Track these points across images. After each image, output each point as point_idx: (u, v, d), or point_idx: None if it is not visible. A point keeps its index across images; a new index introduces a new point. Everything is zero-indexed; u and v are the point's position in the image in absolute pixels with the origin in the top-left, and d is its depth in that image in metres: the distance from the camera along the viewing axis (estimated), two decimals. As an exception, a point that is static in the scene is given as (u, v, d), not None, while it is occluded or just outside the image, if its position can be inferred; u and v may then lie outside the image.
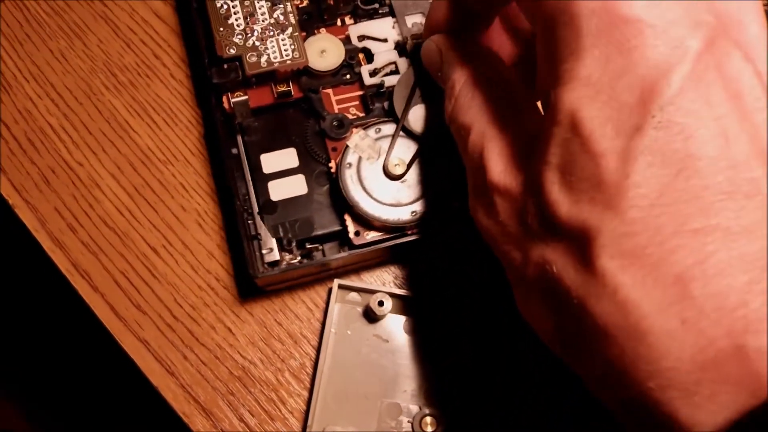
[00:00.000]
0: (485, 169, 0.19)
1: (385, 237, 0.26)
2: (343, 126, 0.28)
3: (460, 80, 0.21)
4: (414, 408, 0.27)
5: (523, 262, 0.18)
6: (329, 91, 0.29)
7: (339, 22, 0.30)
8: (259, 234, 0.26)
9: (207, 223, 0.29)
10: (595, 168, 0.15)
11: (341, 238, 0.27)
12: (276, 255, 0.26)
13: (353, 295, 0.28)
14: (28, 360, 0.77)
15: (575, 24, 0.15)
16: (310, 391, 0.27)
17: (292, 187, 0.27)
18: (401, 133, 0.27)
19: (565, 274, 0.16)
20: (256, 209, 0.27)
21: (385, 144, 0.27)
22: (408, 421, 0.27)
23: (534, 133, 0.18)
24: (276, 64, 0.27)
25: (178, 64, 0.32)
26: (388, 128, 0.27)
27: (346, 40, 0.29)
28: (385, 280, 0.29)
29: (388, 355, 0.28)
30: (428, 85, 0.26)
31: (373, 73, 0.28)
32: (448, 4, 0.23)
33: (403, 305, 0.28)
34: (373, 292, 0.27)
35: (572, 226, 0.16)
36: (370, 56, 0.29)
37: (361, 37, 0.29)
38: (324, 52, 0.28)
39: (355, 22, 0.29)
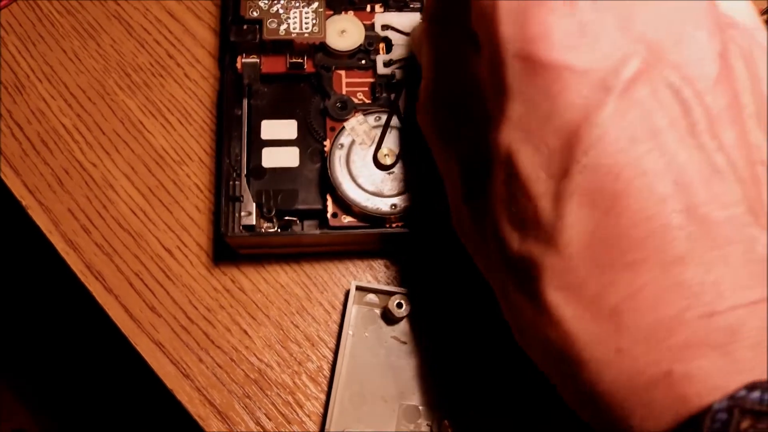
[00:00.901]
0: (455, 184, 0.20)
1: (361, 225, 0.26)
2: (347, 108, 0.28)
3: (424, 80, 0.22)
4: (433, 411, 0.27)
5: (498, 283, 0.19)
6: (342, 72, 0.29)
7: (368, 8, 0.30)
8: (242, 196, 0.26)
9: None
10: (533, 209, 0.16)
11: (321, 218, 0.27)
12: (253, 220, 0.26)
13: (371, 296, 0.28)
14: (41, 361, 0.77)
15: (504, 66, 0.16)
16: (328, 394, 0.27)
17: (285, 157, 0.28)
18: (398, 125, 0.27)
19: (523, 306, 0.17)
20: (244, 171, 0.27)
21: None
22: (427, 425, 0.26)
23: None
24: (294, 35, 0.28)
25: (193, 63, 0.31)
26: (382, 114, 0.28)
27: (370, 27, 0.29)
28: (404, 281, 0.29)
29: (406, 357, 0.27)
30: None
31: (387, 64, 0.28)
32: None
33: (422, 307, 0.27)
34: (391, 293, 0.27)
35: (522, 261, 0.16)
36: (389, 47, 0.29)
37: (385, 27, 0.29)
38: (344, 32, 0.29)
39: (384, 11, 0.29)
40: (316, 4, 0.28)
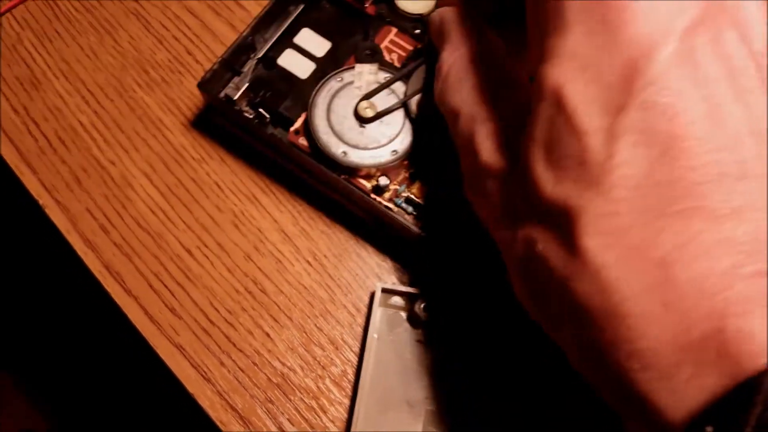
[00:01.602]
0: (475, 151, 0.19)
1: (307, 152, 0.27)
2: (374, 57, 0.28)
3: (448, 60, 0.21)
4: (458, 417, 0.26)
5: (511, 242, 0.17)
6: (393, 29, 0.29)
7: None
8: (242, 72, 0.28)
9: (243, 224, 0.28)
10: (578, 146, 0.15)
11: (288, 131, 0.27)
12: (236, 95, 0.27)
13: (396, 299, 0.27)
14: (55, 362, 0.77)
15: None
16: (352, 399, 0.26)
17: (300, 67, 0.29)
18: (396, 101, 0.27)
19: (549, 254, 0.16)
20: (259, 54, 0.28)
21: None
22: (455, 431, 0.26)
23: (524, 114, 0.18)
24: None
25: (212, 60, 0.31)
26: (397, 86, 0.27)
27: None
28: (430, 283, 0.28)
29: (432, 362, 0.26)
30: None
31: (430, 44, 0.28)
32: None
33: (449, 309, 0.27)
34: (418, 296, 0.26)
35: (556, 205, 0.15)
36: None
37: None
38: None
39: None
40: None
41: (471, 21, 0.22)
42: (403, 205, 0.26)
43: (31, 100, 0.30)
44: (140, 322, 0.27)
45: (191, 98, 0.30)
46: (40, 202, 0.28)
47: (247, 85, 0.27)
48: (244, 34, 0.27)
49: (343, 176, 0.26)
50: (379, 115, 0.27)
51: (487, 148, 0.18)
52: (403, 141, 0.27)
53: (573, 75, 0.15)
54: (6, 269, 0.75)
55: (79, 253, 0.28)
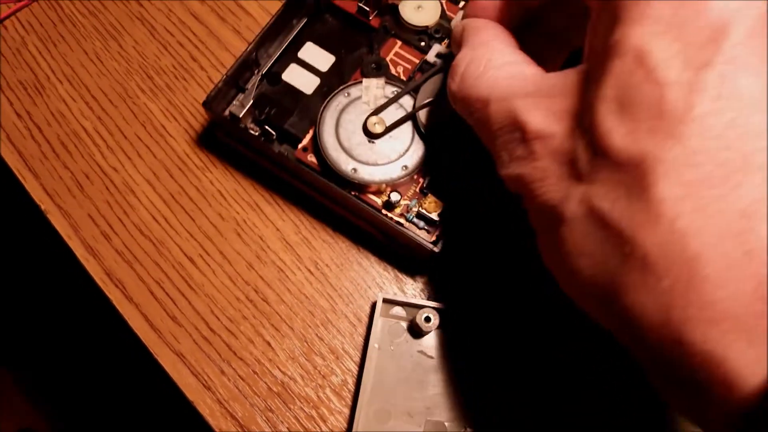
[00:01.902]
0: (521, 124, 0.19)
1: (316, 170, 0.26)
2: (379, 71, 0.28)
3: (467, 56, 0.22)
4: (459, 427, 0.26)
5: (562, 201, 0.17)
6: (398, 41, 0.29)
7: (461, 3, 0.30)
8: (247, 89, 0.28)
9: (246, 232, 0.28)
10: (658, 97, 0.15)
11: (295, 147, 0.27)
12: (241, 112, 0.27)
13: (397, 309, 0.27)
14: (60, 367, 0.76)
15: None
16: (352, 409, 0.26)
17: (305, 82, 0.28)
18: (405, 114, 0.27)
19: (616, 207, 0.15)
20: (263, 70, 0.28)
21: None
22: (454, 442, 0.26)
23: (553, 83, 0.18)
24: None
25: (216, 66, 0.31)
26: (404, 99, 0.27)
27: (449, 18, 0.29)
28: (431, 294, 0.28)
29: (433, 372, 0.26)
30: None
31: (439, 56, 0.28)
32: None
33: (450, 321, 0.27)
34: (419, 307, 0.26)
35: (629, 156, 0.15)
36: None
37: None
38: (420, 8, 0.29)
39: None
40: None
41: (488, 23, 0.23)
42: (415, 220, 0.26)
43: (35, 105, 0.30)
44: (141, 330, 0.27)
45: (195, 105, 0.30)
46: (42, 207, 0.28)
47: (251, 102, 0.27)
48: (248, 49, 0.27)
49: (353, 193, 0.26)
50: (388, 130, 0.26)
51: (535, 119, 0.18)
52: (413, 156, 0.26)
53: (657, 34, 0.15)
54: (8, 273, 0.75)
55: (81, 259, 0.28)
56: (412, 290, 0.28)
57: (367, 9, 0.29)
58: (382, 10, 0.29)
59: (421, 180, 0.27)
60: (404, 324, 0.27)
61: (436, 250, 0.25)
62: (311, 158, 0.27)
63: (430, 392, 0.26)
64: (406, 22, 0.29)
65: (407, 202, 0.27)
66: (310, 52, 0.29)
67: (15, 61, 0.31)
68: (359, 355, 0.27)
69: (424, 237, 0.26)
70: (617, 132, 0.16)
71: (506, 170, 0.20)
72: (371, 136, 0.26)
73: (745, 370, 0.13)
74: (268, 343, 0.27)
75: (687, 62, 0.15)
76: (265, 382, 0.26)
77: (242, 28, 0.32)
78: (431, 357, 0.27)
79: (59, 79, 0.30)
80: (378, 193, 0.27)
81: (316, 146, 0.26)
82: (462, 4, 0.30)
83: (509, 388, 0.26)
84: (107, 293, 0.27)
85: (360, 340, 0.27)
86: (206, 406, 0.26)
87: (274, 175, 0.28)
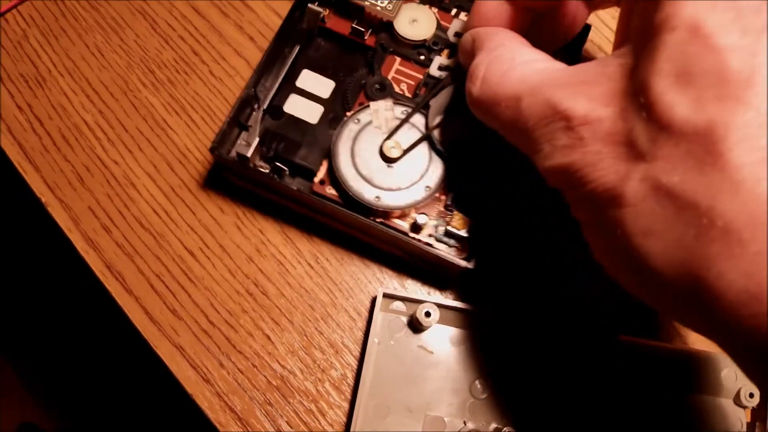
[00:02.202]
0: (564, 113, 0.18)
1: (338, 202, 0.26)
2: (384, 91, 0.28)
3: (487, 58, 0.21)
4: (458, 422, 0.26)
5: (621, 182, 0.17)
6: (397, 58, 0.29)
7: (453, 11, 0.29)
8: (250, 126, 0.27)
9: (246, 226, 0.28)
10: (720, 64, 0.15)
11: (311, 181, 0.27)
12: (249, 151, 0.26)
13: (398, 304, 0.27)
14: (60, 360, 0.76)
15: None
16: (351, 403, 0.26)
17: (308, 111, 0.28)
18: (420, 129, 0.27)
19: (687, 179, 0.15)
20: (264, 106, 0.27)
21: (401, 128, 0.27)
22: (453, 437, 0.26)
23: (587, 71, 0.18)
24: (367, 3, 0.28)
25: (218, 61, 0.31)
26: (415, 118, 0.27)
27: (444, 29, 0.29)
28: (431, 290, 0.28)
29: (432, 367, 0.26)
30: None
31: (442, 68, 0.28)
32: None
33: (450, 316, 0.27)
34: (419, 302, 0.26)
35: (695, 127, 0.15)
36: (452, 54, 0.29)
37: (458, 34, 0.29)
38: (415, 21, 0.28)
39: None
40: None
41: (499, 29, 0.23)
42: (444, 239, 0.26)
43: (36, 98, 0.30)
44: (141, 322, 0.27)
45: (197, 99, 0.30)
46: (43, 200, 0.28)
47: (257, 139, 0.26)
48: (247, 85, 0.26)
49: (378, 220, 0.26)
50: (405, 152, 0.26)
51: (580, 105, 0.18)
52: (433, 174, 0.26)
53: (708, 5, 0.15)
54: (8, 266, 0.75)
55: (81, 252, 0.28)
56: (413, 285, 0.28)
57: (362, 29, 0.28)
58: (376, 28, 0.29)
59: (443, 197, 0.26)
60: (404, 319, 0.27)
61: (470, 266, 0.25)
62: (330, 190, 0.26)
63: (430, 387, 0.26)
64: (403, 38, 0.28)
65: (434, 222, 0.26)
66: (308, 79, 0.28)
67: (16, 54, 0.31)
68: (359, 350, 0.27)
69: (455, 255, 0.25)
70: (680, 103, 0.15)
71: (551, 161, 0.19)
72: (389, 160, 0.26)
73: None
74: (268, 337, 0.27)
75: (744, 29, 0.15)
76: (265, 376, 0.26)
77: (244, 23, 0.32)
78: (431, 352, 0.27)
79: (60, 73, 0.30)
80: (403, 216, 0.26)
81: (334, 178, 0.26)
82: (454, 11, 0.29)
83: (509, 383, 0.26)
84: (107, 286, 0.27)
85: (360, 334, 0.27)
86: (205, 399, 0.26)
87: (291, 210, 0.28)
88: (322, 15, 0.28)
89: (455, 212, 0.26)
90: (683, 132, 0.15)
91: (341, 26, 0.29)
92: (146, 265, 0.28)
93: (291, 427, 0.26)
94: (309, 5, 0.28)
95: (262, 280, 0.28)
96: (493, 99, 0.21)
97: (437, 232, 0.26)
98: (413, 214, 0.26)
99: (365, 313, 0.27)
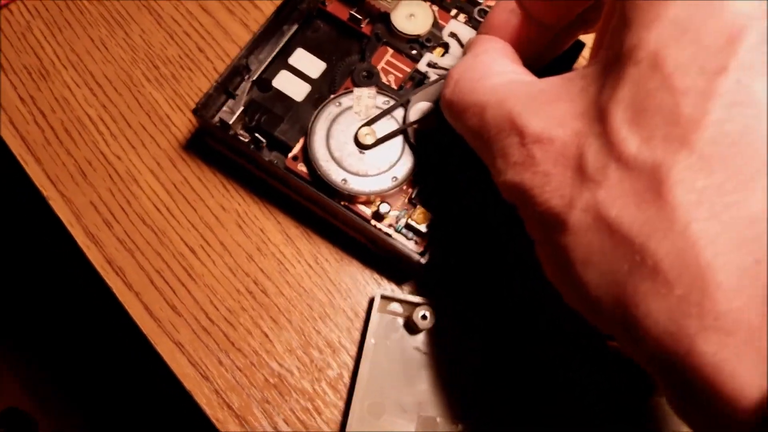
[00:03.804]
0: (518, 127, 0.19)
1: (306, 180, 0.26)
2: (370, 79, 0.28)
3: (463, 63, 0.22)
4: (450, 423, 0.26)
5: (566, 208, 0.17)
6: (389, 50, 0.29)
7: (453, 11, 0.30)
8: (237, 95, 0.27)
9: (247, 224, 0.28)
10: (673, 105, 0.15)
11: (286, 157, 0.27)
12: (231, 119, 0.27)
13: (395, 305, 0.27)
14: (58, 353, 0.76)
15: None
16: (347, 402, 0.27)
17: (295, 88, 0.28)
18: (396, 123, 0.27)
19: (624, 214, 0.15)
20: (254, 77, 0.28)
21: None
22: (446, 438, 0.26)
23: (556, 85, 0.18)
24: None
25: (222, 58, 0.31)
26: (398, 110, 0.27)
27: (440, 27, 0.29)
28: (428, 291, 0.28)
29: (427, 368, 0.27)
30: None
31: (430, 65, 0.28)
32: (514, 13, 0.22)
33: (446, 319, 0.27)
34: (416, 304, 0.27)
35: (641, 164, 0.15)
36: (444, 53, 0.29)
37: (453, 35, 0.29)
38: (412, 16, 0.29)
39: (464, 22, 0.29)
40: None
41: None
42: (404, 231, 0.26)
43: (39, 90, 0.30)
44: (141, 318, 0.27)
45: (200, 95, 0.30)
46: (45, 193, 0.29)
47: (242, 108, 0.27)
48: (239, 55, 0.27)
49: (342, 203, 0.26)
50: (379, 142, 0.26)
51: (535, 122, 0.18)
52: (403, 166, 0.27)
53: (673, 38, 0.15)
54: (8, 258, 0.75)
55: (82, 246, 0.28)
56: (410, 286, 0.28)
57: (360, 17, 0.29)
58: (374, 17, 0.29)
59: (410, 191, 0.27)
60: (401, 320, 0.27)
61: (423, 261, 0.25)
62: (301, 167, 0.27)
63: (424, 388, 0.27)
64: (398, 31, 0.29)
65: (396, 212, 0.27)
66: (301, 58, 0.29)
67: (20, 46, 0.31)
68: (355, 350, 0.27)
69: (411, 248, 0.26)
70: (632, 139, 0.15)
71: (504, 177, 0.19)
72: (362, 146, 0.26)
73: (754, 383, 0.13)
74: (266, 335, 0.27)
75: (702, 68, 0.15)
76: (263, 374, 0.27)
77: (250, 20, 0.32)
78: (426, 353, 0.27)
79: (64, 65, 0.30)
80: (368, 203, 0.27)
81: (307, 156, 0.26)
82: (454, 12, 0.29)
83: (502, 385, 0.27)
84: (107, 281, 0.27)
85: (357, 334, 0.28)
86: (203, 396, 0.26)
87: (263, 181, 0.28)
88: None
89: (418, 206, 0.26)
90: (630, 167, 0.15)
91: (341, 11, 0.29)
92: (147, 261, 0.28)
93: (288, 425, 0.26)
94: None
95: (262, 278, 0.28)
96: (462, 104, 0.21)
97: (397, 224, 0.27)
98: (378, 203, 0.26)
99: (362, 314, 0.28)
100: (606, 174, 0.16)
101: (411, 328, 0.27)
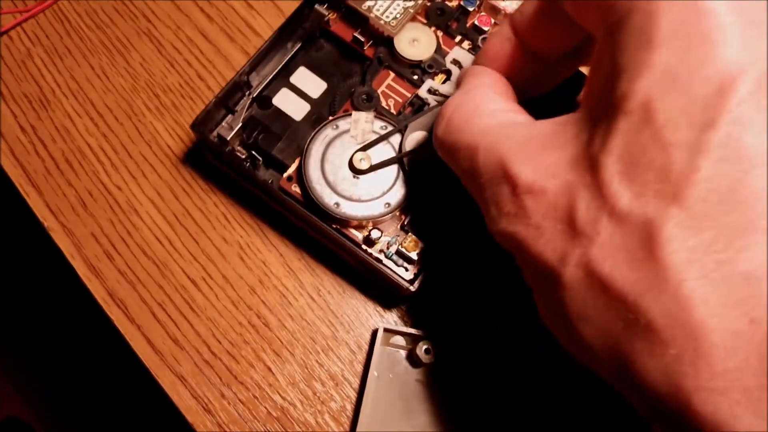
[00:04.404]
0: (510, 176, 0.18)
1: (300, 201, 0.26)
2: (369, 102, 0.28)
3: (455, 100, 0.21)
4: (454, 457, 0.26)
5: (559, 263, 0.17)
6: (391, 73, 0.29)
7: (457, 38, 0.29)
8: (236, 111, 0.27)
9: (249, 257, 0.28)
10: (664, 159, 0.15)
11: (281, 174, 0.27)
12: (229, 134, 0.27)
13: (397, 338, 0.27)
14: (58, 367, 0.76)
15: (654, 16, 0.15)
16: (350, 436, 0.27)
17: (295, 107, 0.28)
18: (392, 149, 0.27)
19: (617, 271, 0.15)
20: (254, 93, 0.28)
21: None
22: (450, 472, 0.26)
23: (549, 132, 0.18)
24: (372, 16, 0.28)
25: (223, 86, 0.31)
26: (394, 136, 0.27)
27: (444, 54, 0.29)
28: (431, 324, 0.28)
29: (430, 402, 0.27)
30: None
31: (431, 91, 0.28)
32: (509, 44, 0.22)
33: (449, 352, 0.27)
34: (419, 338, 0.27)
35: (633, 220, 0.15)
36: (446, 80, 0.29)
37: (455, 62, 0.29)
38: (415, 41, 0.29)
39: (468, 50, 0.29)
40: (411, 3, 0.29)
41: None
42: (394, 257, 0.26)
43: (39, 119, 0.30)
44: (143, 351, 0.27)
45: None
46: (45, 224, 0.28)
47: (240, 124, 0.27)
48: (241, 70, 0.27)
49: (334, 226, 0.26)
50: (373, 168, 0.26)
51: (526, 171, 0.18)
52: (396, 193, 0.26)
53: (663, 89, 0.15)
54: (9, 287, 0.75)
55: (83, 279, 0.28)
56: (413, 319, 0.28)
57: (362, 39, 0.29)
58: (378, 40, 0.29)
59: (403, 217, 0.27)
60: (404, 353, 0.27)
61: (412, 288, 0.25)
62: (295, 188, 0.27)
63: (425, 420, 0.27)
64: (401, 56, 0.28)
65: (388, 238, 0.27)
66: (303, 77, 0.29)
67: (20, 74, 0.31)
68: (358, 382, 0.27)
69: (401, 275, 0.26)
70: (623, 194, 0.15)
71: (497, 226, 0.19)
72: (356, 171, 0.26)
73: None
74: (269, 368, 0.27)
75: (692, 122, 0.14)
76: (265, 407, 0.27)
77: (250, 48, 0.32)
78: (429, 386, 0.27)
79: (65, 94, 0.30)
80: (359, 227, 0.27)
81: (301, 177, 0.26)
82: (458, 38, 0.29)
83: (506, 420, 0.27)
84: (109, 314, 0.27)
85: (359, 367, 0.28)
86: (206, 429, 0.26)
87: (258, 198, 0.28)
88: (326, 18, 0.29)
89: (409, 234, 0.26)
90: (622, 222, 0.15)
91: (345, 32, 0.29)
92: (149, 294, 0.28)
93: (290, 458, 0.26)
94: (316, 6, 0.29)
95: (265, 311, 0.28)
96: (454, 145, 0.21)
97: (388, 250, 0.26)
98: (370, 228, 0.26)
99: (365, 347, 0.28)
100: (597, 229, 0.16)
101: (414, 360, 0.27)
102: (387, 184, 0.27)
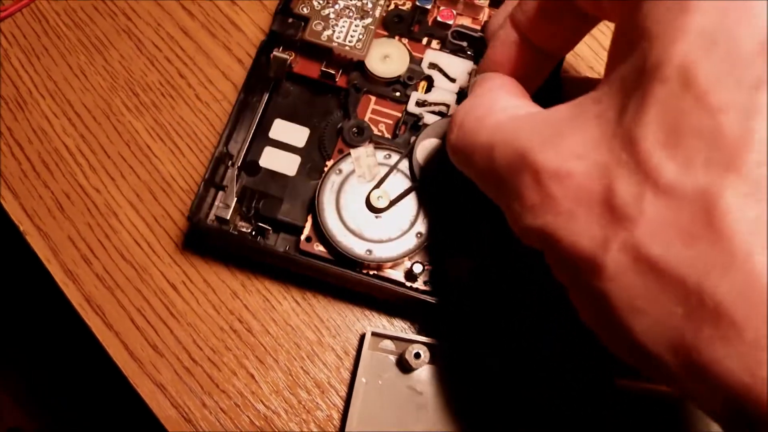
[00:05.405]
0: (531, 164, 0.17)
1: (329, 259, 0.25)
2: (362, 135, 0.26)
3: (466, 104, 0.20)
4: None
5: (599, 250, 0.15)
6: (372, 98, 0.27)
7: (425, 41, 0.28)
8: (227, 186, 0.26)
9: (230, 260, 0.27)
10: (713, 125, 0.13)
11: (297, 237, 0.26)
12: (228, 213, 0.25)
13: (387, 342, 0.26)
14: (58, 378, 0.76)
15: None
16: (337, 446, 0.25)
17: (285, 163, 0.27)
18: (407, 172, 0.26)
19: (670, 251, 0.14)
20: (239, 163, 0.26)
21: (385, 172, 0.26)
22: (441, 482, 0.25)
23: (567, 116, 0.17)
24: (335, 44, 0.26)
25: (205, 84, 0.30)
26: (402, 162, 0.26)
27: (418, 61, 0.27)
28: (420, 328, 0.27)
29: (421, 409, 0.26)
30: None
31: (420, 104, 0.27)
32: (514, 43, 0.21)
33: (440, 356, 0.26)
34: (409, 341, 0.25)
35: (683, 193, 0.14)
36: (430, 87, 0.27)
37: (432, 66, 0.27)
38: (387, 57, 0.27)
39: (440, 50, 0.28)
40: (369, 20, 0.27)
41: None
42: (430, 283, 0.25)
43: (16, 121, 0.29)
44: (121, 359, 0.26)
45: (182, 125, 0.29)
46: (21, 228, 0.27)
47: (235, 199, 0.25)
48: (218, 146, 0.25)
49: (372, 273, 0.25)
50: (393, 203, 0.25)
51: (551, 158, 0.16)
52: (424, 221, 0.25)
53: (703, 51, 0.14)
54: None
55: (60, 284, 0.27)
56: (401, 323, 0.27)
57: (331, 71, 0.27)
58: (347, 67, 0.27)
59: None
60: (393, 358, 0.26)
61: (469, 308, 0.24)
62: (318, 247, 0.25)
63: (418, 428, 0.25)
64: (376, 76, 0.27)
65: (429, 267, 0.25)
66: (281, 129, 0.27)
67: (-4, 74, 0.30)
68: (345, 390, 0.26)
69: (449, 301, 0.25)
70: (669, 165, 0.14)
71: (522, 222, 0.17)
72: (377, 211, 0.25)
73: None
74: (252, 376, 0.26)
75: (740, 82, 0.13)
76: (248, 416, 0.26)
77: (233, 44, 0.31)
78: (420, 393, 0.26)
79: (42, 94, 0.29)
80: (395, 265, 0.25)
81: (321, 234, 0.25)
82: (425, 40, 0.28)
83: (502, 427, 0.25)
84: (86, 320, 0.26)
85: (347, 374, 0.26)
86: (186, 440, 0.25)
87: (279, 268, 0.27)
88: (288, 61, 0.27)
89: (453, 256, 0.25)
90: (669, 197, 0.14)
91: (310, 69, 0.27)
92: (127, 299, 0.27)
93: (274, 470, 0.25)
94: (274, 53, 0.27)
95: (247, 316, 0.27)
96: (469, 148, 0.20)
97: (431, 278, 0.25)
98: (406, 263, 0.25)
99: (353, 352, 0.27)
100: (641, 207, 0.14)
101: (404, 366, 0.26)
102: (411, 213, 0.25)
